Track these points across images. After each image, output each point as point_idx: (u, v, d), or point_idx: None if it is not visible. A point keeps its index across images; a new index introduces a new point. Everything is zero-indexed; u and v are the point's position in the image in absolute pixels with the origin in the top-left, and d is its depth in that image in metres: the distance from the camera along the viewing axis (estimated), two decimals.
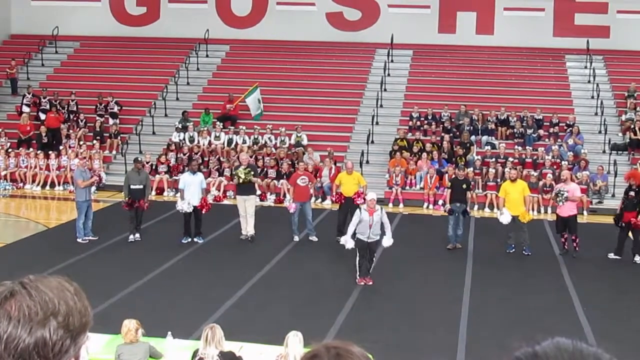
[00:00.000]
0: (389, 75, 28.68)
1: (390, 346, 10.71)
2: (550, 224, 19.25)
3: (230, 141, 25.35)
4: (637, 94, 26.93)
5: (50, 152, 24.76)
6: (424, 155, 23.73)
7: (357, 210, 14.24)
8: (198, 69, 29.86)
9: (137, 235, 16.99)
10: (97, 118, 26.84)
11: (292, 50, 30.14)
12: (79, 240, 16.74)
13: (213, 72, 29.98)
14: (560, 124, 25.66)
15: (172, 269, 15.01)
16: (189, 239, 16.98)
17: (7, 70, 28.92)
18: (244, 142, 25.14)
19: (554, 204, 18.07)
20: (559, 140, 25.00)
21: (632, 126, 25.02)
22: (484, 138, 25.36)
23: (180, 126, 26.11)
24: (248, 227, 17.27)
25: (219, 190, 22.76)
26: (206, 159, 24.39)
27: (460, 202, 16.86)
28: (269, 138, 25.33)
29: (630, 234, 16.29)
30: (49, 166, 24.48)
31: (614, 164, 23.27)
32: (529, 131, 25.20)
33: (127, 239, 16.90)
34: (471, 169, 22.31)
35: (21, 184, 24.39)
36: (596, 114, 26.46)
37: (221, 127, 25.91)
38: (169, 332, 9.49)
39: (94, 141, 25.51)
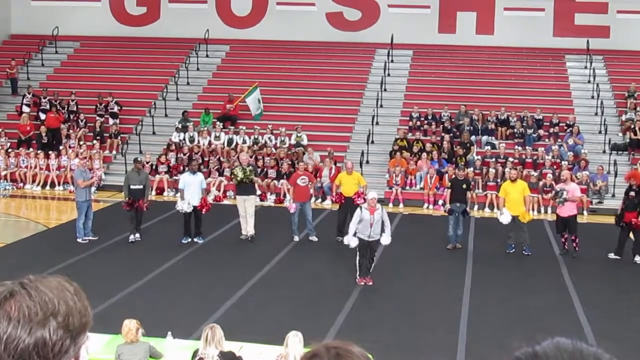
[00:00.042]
0: (389, 75, 28.68)
1: (390, 346, 10.71)
2: (550, 224, 19.25)
3: (230, 141, 25.36)
4: (637, 94, 26.93)
5: (50, 152, 24.77)
6: (424, 155, 23.73)
7: (358, 209, 14.24)
8: (198, 69, 29.87)
9: (137, 235, 16.99)
10: (97, 118, 26.84)
11: (292, 50, 30.14)
12: (79, 240, 16.75)
13: (213, 72, 29.98)
14: (560, 124, 25.66)
15: (172, 269, 15.01)
16: (189, 239, 16.98)
17: (7, 70, 28.93)
18: (244, 142, 25.14)
19: (554, 204, 18.07)
20: (559, 140, 25.00)
21: (632, 126, 25.02)
22: (484, 138, 25.36)
23: (180, 126, 26.11)
24: (248, 227, 17.27)
25: (219, 190, 22.76)
26: (206, 159, 24.39)
27: (460, 202, 16.86)
28: (269, 138, 25.33)
29: (631, 234, 16.29)
30: (49, 166, 24.49)
31: (614, 164, 23.26)
32: (529, 131, 25.20)
33: (127, 239, 16.90)
34: (471, 169, 22.31)
35: (21, 184, 24.39)
36: (596, 114, 26.46)
37: (221, 127, 25.91)
38: (169, 332, 9.49)
39: (94, 141, 25.51)
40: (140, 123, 26.71)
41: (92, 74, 29.40)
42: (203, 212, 16.91)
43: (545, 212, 21.71)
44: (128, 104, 27.57)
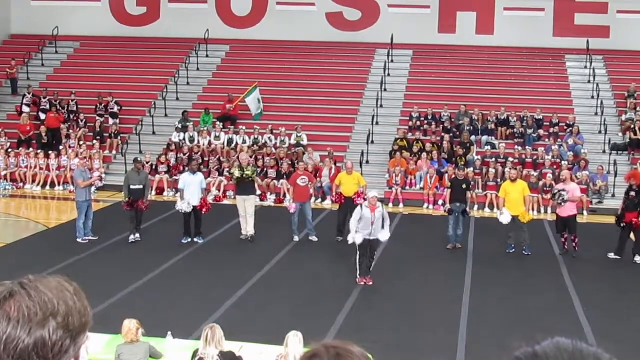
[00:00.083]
0: (389, 75, 28.68)
1: (390, 346, 10.71)
2: (550, 224, 19.25)
3: (230, 141, 25.36)
4: (637, 94, 26.93)
5: (50, 152, 24.77)
6: (424, 155, 23.72)
7: (359, 207, 14.23)
8: (198, 69, 29.87)
9: (137, 235, 16.99)
10: (97, 118, 26.84)
11: (292, 50, 30.14)
12: (79, 240, 16.75)
13: (213, 72, 29.98)
14: (560, 124, 25.66)
15: (172, 269, 15.00)
16: (189, 239, 16.98)
17: (7, 70, 28.93)
18: (244, 142, 25.14)
19: (554, 205, 18.06)
20: (559, 140, 24.99)
21: (632, 126, 25.02)
22: (484, 138, 25.36)
23: (180, 126, 26.11)
24: (248, 227, 17.27)
25: (219, 190, 22.76)
26: (206, 159, 24.39)
27: (460, 202, 16.86)
28: (269, 138, 25.33)
29: (632, 234, 16.28)
30: (49, 166, 24.49)
31: (614, 164, 23.26)
32: (529, 131, 25.20)
33: (127, 239, 16.90)
34: (471, 169, 22.30)
35: (21, 184, 24.39)
36: (596, 114, 26.46)
37: (221, 127, 25.91)
38: (169, 332, 9.49)
39: (94, 141, 25.51)
40: (140, 123, 26.71)
41: (92, 74, 29.40)
42: (203, 212, 16.91)
43: (545, 212, 21.71)
44: (128, 104, 27.57)
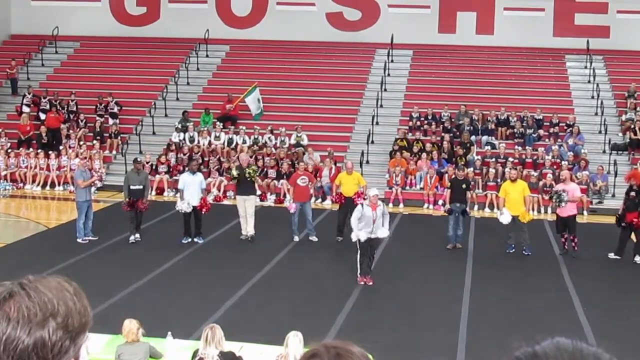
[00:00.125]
0: (389, 75, 28.68)
1: (390, 346, 10.71)
2: (550, 224, 19.25)
3: (230, 141, 25.36)
4: (637, 94, 26.93)
5: (50, 152, 24.77)
6: (424, 155, 23.73)
7: (359, 205, 14.23)
8: (198, 69, 29.87)
9: (137, 235, 16.98)
10: (97, 118, 26.84)
11: (292, 50, 30.14)
12: (79, 240, 16.75)
13: (213, 72, 29.98)
14: (560, 124, 25.66)
15: (172, 269, 15.01)
16: (189, 239, 16.98)
17: (7, 70, 28.93)
18: (244, 142, 25.15)
19: (553, 205, 18.04)
20: (559, 140, 24.99)
21: (632, 126, 25.02)
22: (484, 138, 25.36)
23: (180, 126, 26.10)
24: (248, 227, 17.27)
25: (219, 190, 22.77)
26: (206, 159, 24.39)
27: (460, 202, 16.86)
28: (269, 138, 25.33)
29: (632, 235, 16.26)
30: (49, 166, 24.50)
31: (614, 164, 23.26)
32: (529, 131, 25.20)
33: (127, 239, 16.89)
34: (471, 169, 22.30)
35: (21, 184, 24.40)
36: (596, 114, 26.46)
37: (221, 127, 25.91)
38: (169, 332, 9.50)
39: (94, 141, 25.51)
40: (140, 123, 26.71)
41: (92, 74, 29.40)
42: (203, 212, 16.91)
43: (545, 212, 21.70)
44: (128, 104, 27.57)
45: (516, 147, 24.50)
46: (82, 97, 27.68)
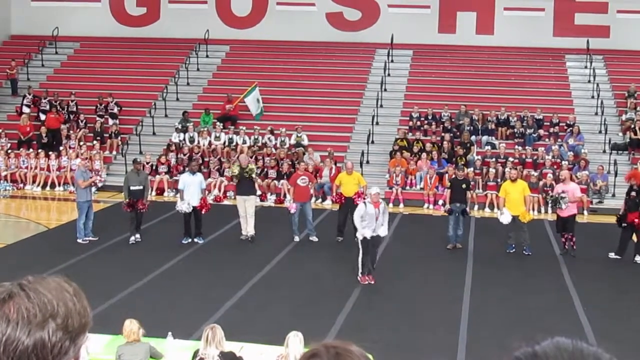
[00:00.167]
0: (389, 75, 28.68)
1: (390, 346, 10.71)
2: (550, 224, 19.25)
3: (230, 141, 25.36)
4: (637, 94, 26.93)
5: (50, 152, 24.77)
6: (424, 155, 23.73)
7: (361, 204, 14.24)
8: (198, 69, 29.87)
9: (138, 235, 16.98)
10: (97, 118, 26.84)
11: (292, 50, 30.14)
12: (79, 240, 16.75)
13: (213, 73, 29.99)
14: (561, 124, 25.66)
15: (172, 269, 15.00)
16: (189, 240, 16.98)
17: (7, 70, 28.93)
18: (244, 142, 25.15)
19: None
20: (559, 140, 24.99)
21: (632, 126, 25.02)
22: (484, 138, 25.36)
23: (180, 126, 26.10)
24: (248, 228, 17.27)
25: (220, 191, 22.77)
26: (206, 159, 24.39)
27: (460, 202, 16.86)
28: (269, 138, 25.32)
29: (634, 236, 16.25)
30: (49, 167, 24.50)
31: (614, 164, 23.26)
32: (529, 131, 25.20)
33: (127, 240, 16.89)
34: (471, 169, 22.30)
35: (21, 185, 24.40)
36: (596, 113, 26.46)
37: (221, 127, 25.91)
38: (170, 333, 9.50)
39: (94, 142, 25.51)
40: (140, 123, 26.71)
41: (92, 75, 29.40)
42: (203, 213, 16.91)
43: (546, 212, 21.69)
44: (128, 105, 27.58)
45: (516, 147, 24.50)
46: (82, 97, 27.69)
